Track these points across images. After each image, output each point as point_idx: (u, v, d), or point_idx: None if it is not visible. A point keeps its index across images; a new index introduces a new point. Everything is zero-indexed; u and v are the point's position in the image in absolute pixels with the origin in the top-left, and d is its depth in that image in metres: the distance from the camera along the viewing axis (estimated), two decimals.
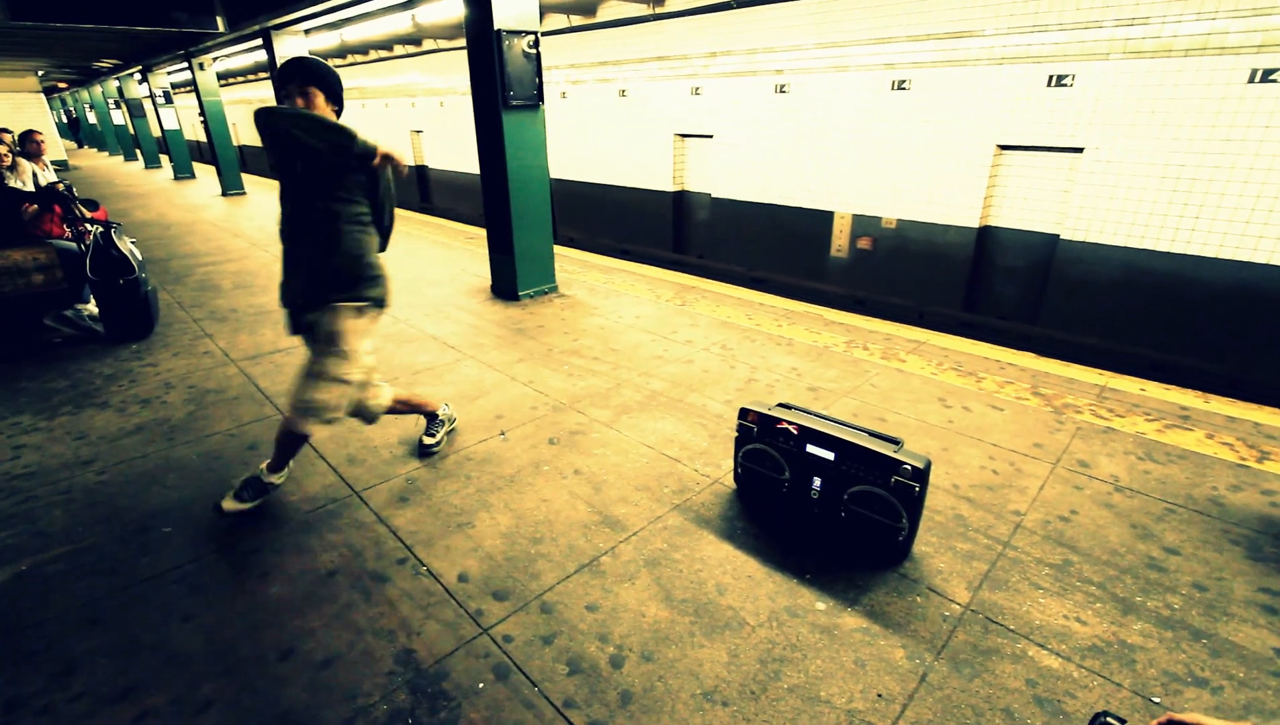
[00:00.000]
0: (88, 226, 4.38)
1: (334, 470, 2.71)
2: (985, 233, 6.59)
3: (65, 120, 31.80)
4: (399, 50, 14.56)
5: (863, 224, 7.44)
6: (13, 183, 4.86)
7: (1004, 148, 6.23)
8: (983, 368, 3.64)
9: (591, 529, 2.30)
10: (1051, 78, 5.67)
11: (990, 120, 6.14)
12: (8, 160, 4.93)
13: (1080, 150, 5.70)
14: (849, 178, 7.40)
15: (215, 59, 12.54)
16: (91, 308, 4.52)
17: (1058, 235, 6.03)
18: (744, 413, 2.36)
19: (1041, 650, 1.77)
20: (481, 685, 1.69)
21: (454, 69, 12.96)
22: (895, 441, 2.09)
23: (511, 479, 2.62)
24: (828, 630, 1.85)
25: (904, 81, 6.63)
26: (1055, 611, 1.90)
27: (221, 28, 7.43)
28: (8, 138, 5.06)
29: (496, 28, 4.31)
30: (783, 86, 7.71)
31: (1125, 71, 5.25)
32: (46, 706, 1.66)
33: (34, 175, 5.39)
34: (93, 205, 4.96)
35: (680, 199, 9.83)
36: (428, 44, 13.54)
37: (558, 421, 3.08)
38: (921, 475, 1.97)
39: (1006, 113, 6.02)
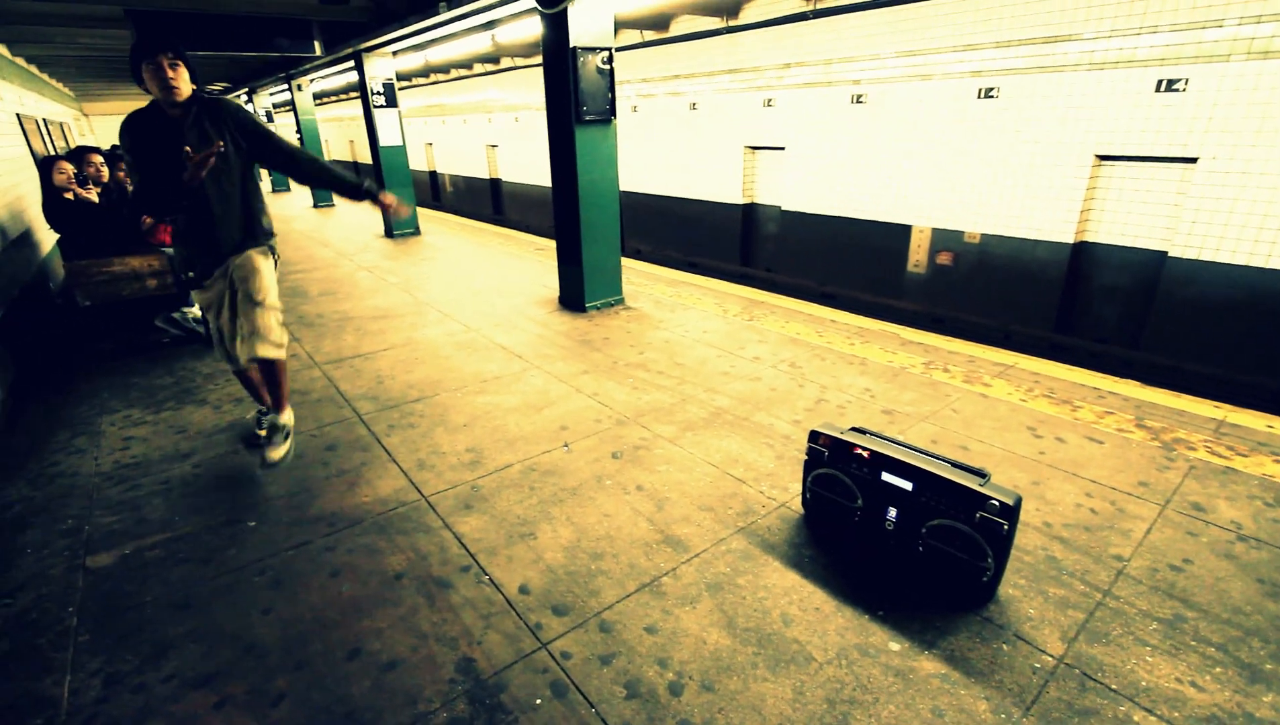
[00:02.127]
0: None
1: (405, 474, 2.79)
2: (1081, 249, 6.14)
3: None
4: (478, 69, 15.18)
5: (943, 238, 7.10)
6: None
7: (1103, 158, 5.80)
8: (1078, 395, 3.36)
9: (653, 548, 2.26)
10: (1160, 82, 5.24)
11: (1088, 129, 5.73)
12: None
13: (1194, 160, 5.22)
14: (929, 190, 7.09)
15: (312, 80, 13.45)
16: (195, 311, 4.89)
17: (1165, 252, 5.55)
18: (814, 435, 2.26)
19: (1149, 716, 1.59)
20: (539, 701, 1.68)
21: (529, 85, 13.37)
22: (981, 473, 1.94)
23: (574, 492, 2.61)
24: (902, 673, 1.73)
25: (992, 89, 6.30)
26: (1166, 672, 1.71)
27: (319, 51, 7.96)
28: None
29: (572, 45, 4.40)
30: (859, 96, 7.49)
31: (1250, 74, 4.78)
32: (140, 685, 1.77)
33: None
34: None
35: (749, 212, 9.71)
36: (505, 62, 14.05)
37: (621, 435, 3.07)
38: (1011, 512, 1.82)
39: (1107, 121, 5.61)
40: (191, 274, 2.66)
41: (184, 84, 2.44)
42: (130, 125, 2.48)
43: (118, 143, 5.82)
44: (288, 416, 2.84)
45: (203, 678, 1.79)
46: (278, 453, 2.74)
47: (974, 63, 6.38)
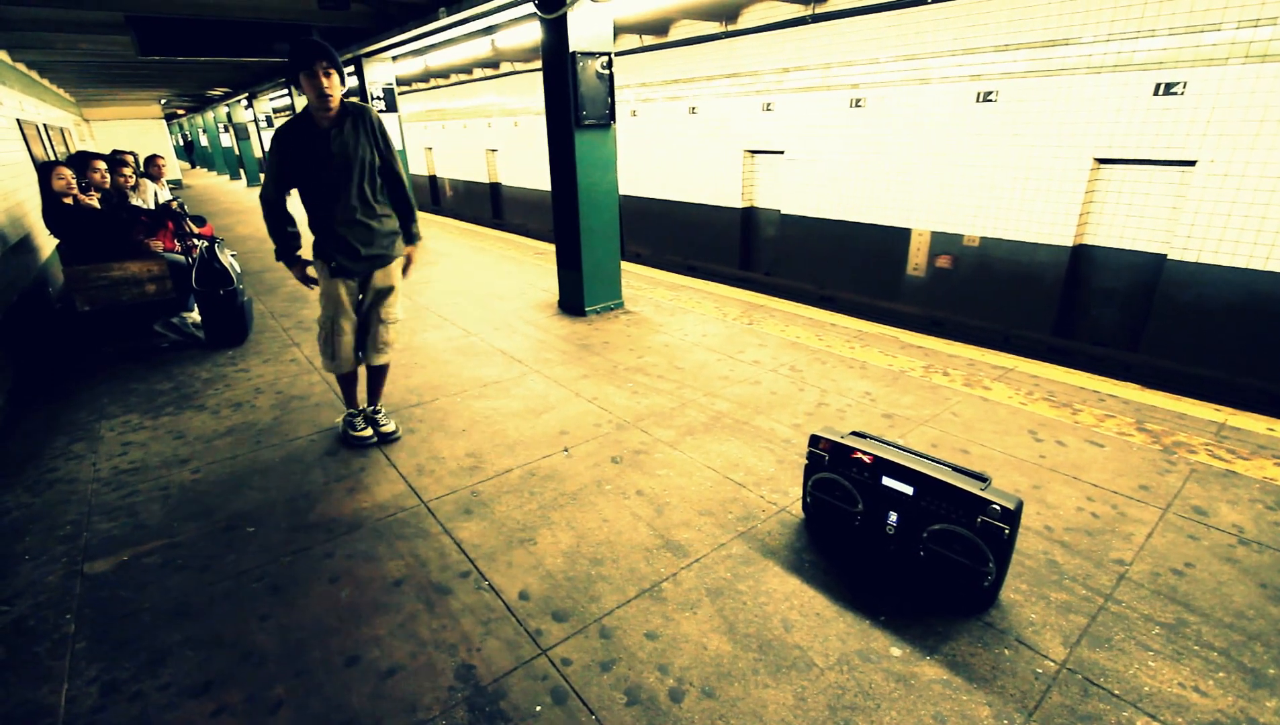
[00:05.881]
0: (195, 241, 4.76)
1: (404, 479, 2.79)
2: (1080, 252, 6.14)
3: (181, 143, 35.15)
4: (478, 73, 15.21)
5: (942, 241, 7.10)
6: (134, 201, 5.35)
7: (1102, 161, 5.81)
8: (1079, 398, 3.36)
9: (653, 553, 2.25)
10: (1159, 86, 5.25)
11: (1087, 132, 5.74)
12: (131, 181, 5.43)
13: (1192, 163, 5.23)
14: (928, 194, 7.10)
15: None
16: (195, 316, 4.89)
17: (1164, 255, 5.55)
18: (815, 440, 2.26)
19: (1152, 721, 1.58)
20: (539, 709, 1.67)
21: (528, 90, 13.39)
22: (982, 478, 1.94)
23: (574, 496, 2.61)
24: (904, 679, 1.72)
25: (990, 93, 6.32)
26: (1168, 678, 1.70)
27: None
28: (131, 160, 5.59)
29: (571, 50, 4.41)
30: (858, 101, 7.51)
31: (1248, 77, 4.79)
32: (137, 693, 1.76)
33: (154, 194, 5.92)
34: (201, 221, 5.39)
35: (748, 215, 9.71)
36: (505, 67, 14.07)
37: (621, 440, 3.06)
38: (1012, 517, 1.82)
39: (1106, 124, 5.62)
40: (334, 264, 2.80)
41: (337, 91, 2.57)
42: (281, 138, 2.63)
43: (118, 148, 5.80)
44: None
45: (200, 685, 1.78)
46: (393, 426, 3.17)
47: (973, 66, 6.39)
